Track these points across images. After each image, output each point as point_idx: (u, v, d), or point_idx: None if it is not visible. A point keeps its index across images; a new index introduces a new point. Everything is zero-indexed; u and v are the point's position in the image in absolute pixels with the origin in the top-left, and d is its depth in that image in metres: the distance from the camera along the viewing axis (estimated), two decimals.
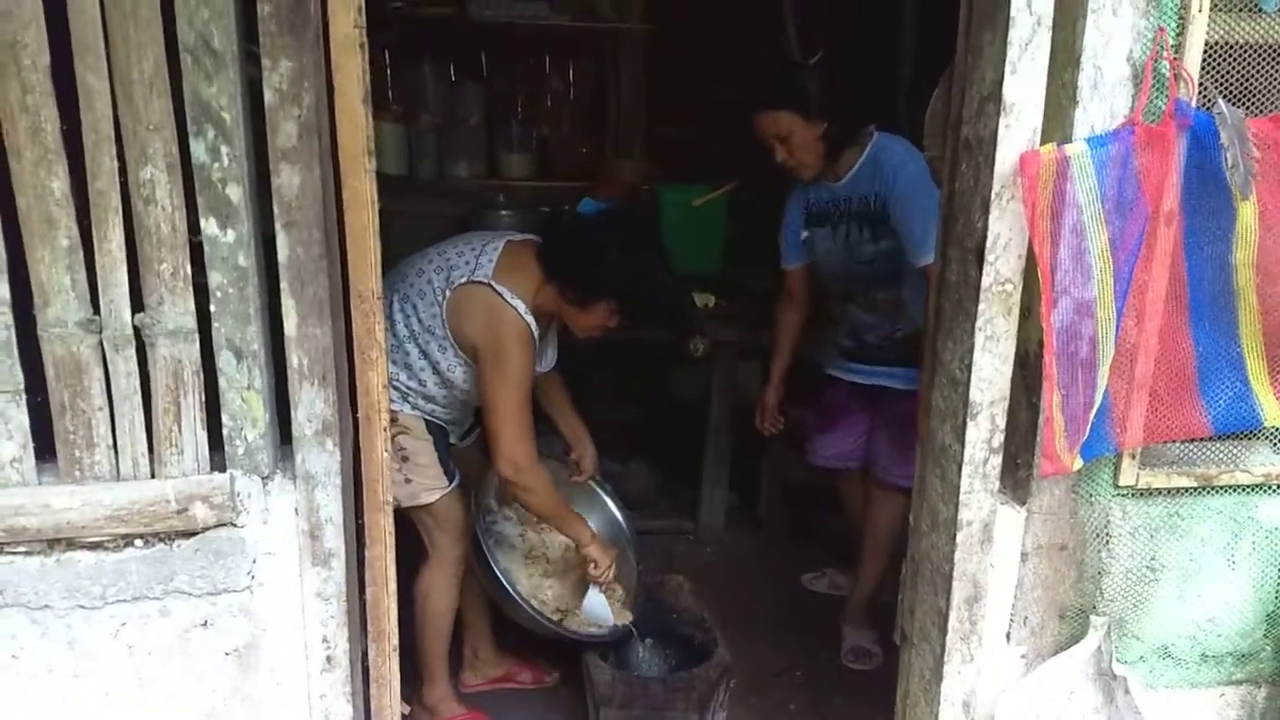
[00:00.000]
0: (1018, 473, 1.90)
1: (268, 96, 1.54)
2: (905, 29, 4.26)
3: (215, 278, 1.60)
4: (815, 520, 3.83)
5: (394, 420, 2.37)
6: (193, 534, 1.68)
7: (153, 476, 1.66)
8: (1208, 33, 1.70)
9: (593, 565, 2.53)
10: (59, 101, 1.49)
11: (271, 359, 1.69)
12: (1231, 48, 1.74)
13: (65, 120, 1.50)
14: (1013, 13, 1.64)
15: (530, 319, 2.33)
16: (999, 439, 1.84)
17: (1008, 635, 1.97)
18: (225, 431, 1.67)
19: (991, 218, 1.72)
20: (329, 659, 1.79)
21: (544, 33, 4.08)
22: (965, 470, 1.84)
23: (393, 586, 1.82)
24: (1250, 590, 2.01)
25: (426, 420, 2.47)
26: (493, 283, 2.32)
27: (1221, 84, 1.73)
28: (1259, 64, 1.75)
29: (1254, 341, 1.83)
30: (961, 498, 1.85)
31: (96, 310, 1.58)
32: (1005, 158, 1.69)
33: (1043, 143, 1.69)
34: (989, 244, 1.73)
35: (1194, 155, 1.71)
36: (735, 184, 3.87)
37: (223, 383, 1.65)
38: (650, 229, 3.36)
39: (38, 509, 1.60)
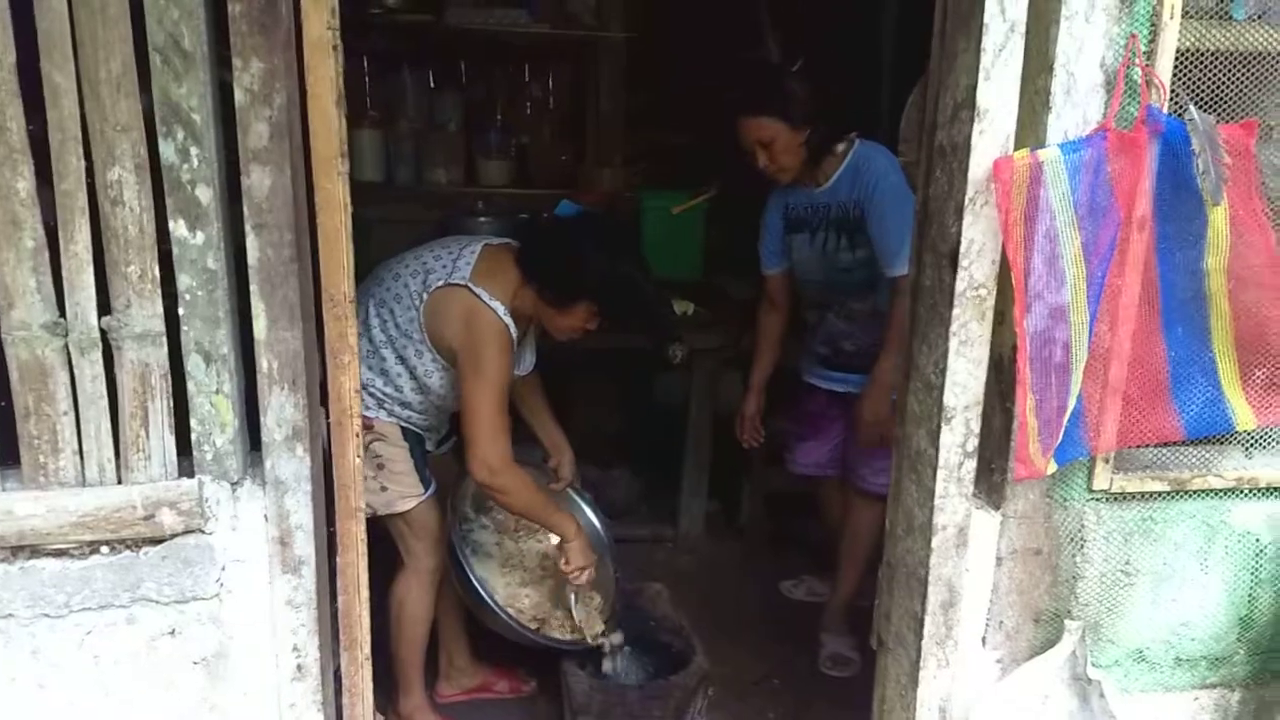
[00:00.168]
0: (992, 477, 1.90)
1: (238, 97, 1.52)
2: (885, 36, 4.28)
3: (184, 280, 1.58)
4: (796, 528, 3.83)
5: (370, 427, 2.38)
6: (160, 541, 1.66)
7: (119, 482, 1.63)
8: (1179, 39, 1.72)
9: (564, 561, 2.49)
10: (25, 100, 1.47)
11: (241, 363, 1.67)
12: (1203, 54, 1.75)
13: (31, 120, 1.48)
14: (986, 19, 1.65)
15: (509, 320, 2.32)
16: (973, 443, 1.84)
17: (983, 640, 1.97)
18: (194, 436, 1.65)
19: (965, 223, 1.73)
20: (299, 668, 1.77)
21: (523, 40, 4.08)
22: (940, 475, 1.84)
23: (365, 594, 1.80)
24: (1223, 594, 2.02)
25: (403, 427, 2.45)
26: (470, 285, 2.30)
27: (1193, 91, 1.74)
28: (1230, 71, 1.76)
29: (1226, 346, 1.84)
30: (936, 502, 1.85)
31: (62, 313, 1.56)
32: (979, 163, 1.70)
33: (1016, 149, 1.70)
34: (963, 249, 1.74)
35: (1166, 161, 1.72)
36: (714, 191, 3.88)
37: (191, 387, 1.63)
38: (628, 231, 3.37)
39: (1, 515, 1.58)
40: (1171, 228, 1.77)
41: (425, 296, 2.33)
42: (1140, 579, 1.99)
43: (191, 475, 1.66)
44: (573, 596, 2.58)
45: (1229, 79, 1.76)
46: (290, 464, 1.68)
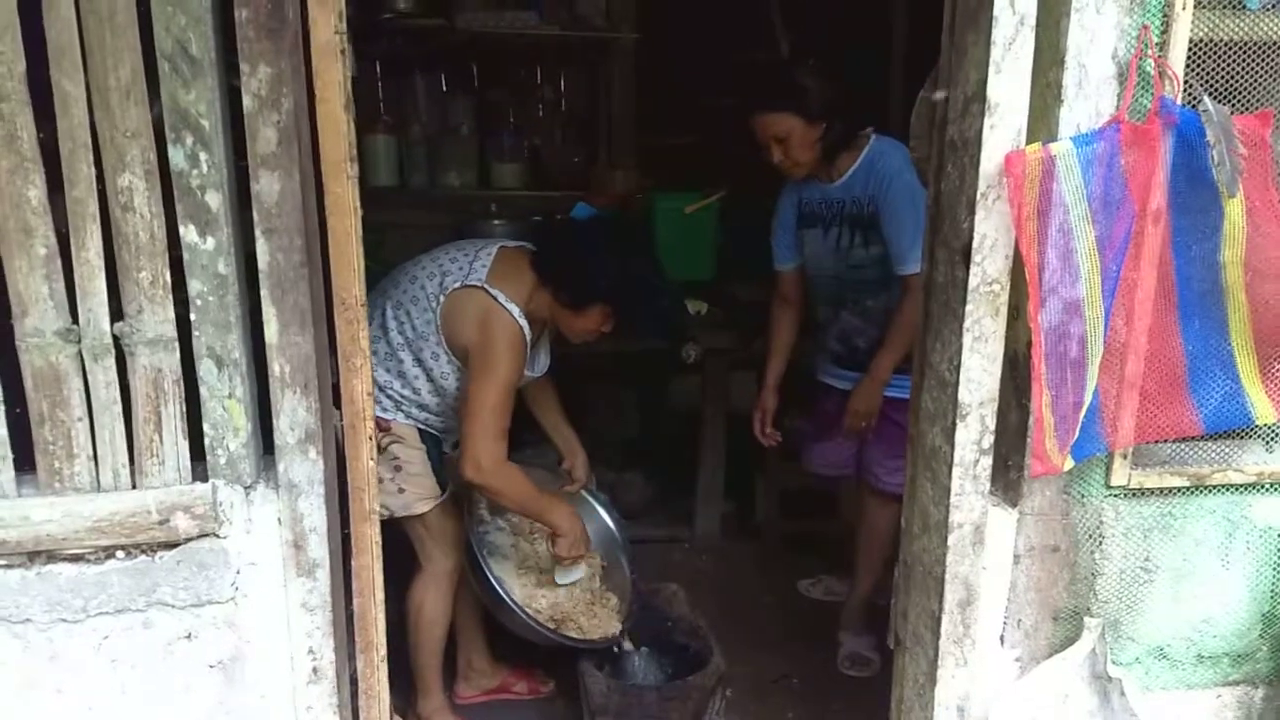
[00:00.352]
0: (1009, 474, 1.89)
1: (246, 102, 1.53)
2: (897, 32, 4.26)
3: (195, 285, 1.59)
4: (812, 527, 3.81)
5: (388, 429, 2.39)
6: (175, 545, 1.67)
7: (134, 487, 1.64)
8: (1192, 30, 1.70)
9: (550, 543, 2.52)
10: (35, 109, 1.48)
11: (253, 367, 1.68)
12: (1216, 45, 1.73)
13: (42, 128, 1.49)
14: (996, 12, 1.64)
15: (524, 323, 2.33)
16: (989, 440, 1.82)
17: (1001, 638, 1.95)
18: (207, 441, 1.66)
19: (978, 218, 1.71)
20: (315, 671, 1.78)
21: (535, 43, 4.07)
22: (955, 472, 1.83)
23: (380, 597, 1.80)
24: (1245, 590, 2.00)
25: (420, 429, 2.46)
26: (487, 286, 2.31)
27: (1207, 81, 1.72)
28: (1244, 61, 1.74)
29: (1244, 340, 1.82)
30: (952, 500, 1.84)
31: (75, 319, 1.57)
32: (990, 158, 1.68)
33: (1028, 142, 1.68)
34: (975, 244, 1.72)
35: (1180, 153, 1.70)
36: (725, 191, 3.87)
37: (204, 392, 1.63)
38: (643, 233, 3.37)
39: (17, 521, 1.59)
40: (1187, 220, 1.74)
41: (442, 298, 2.34)
42: (1160, 575, 1.97)
43: (205, 479, 1.67)
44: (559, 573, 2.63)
45: (1243, 69, 1.74)
46: (303, 467, 1.69)
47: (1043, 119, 1.72)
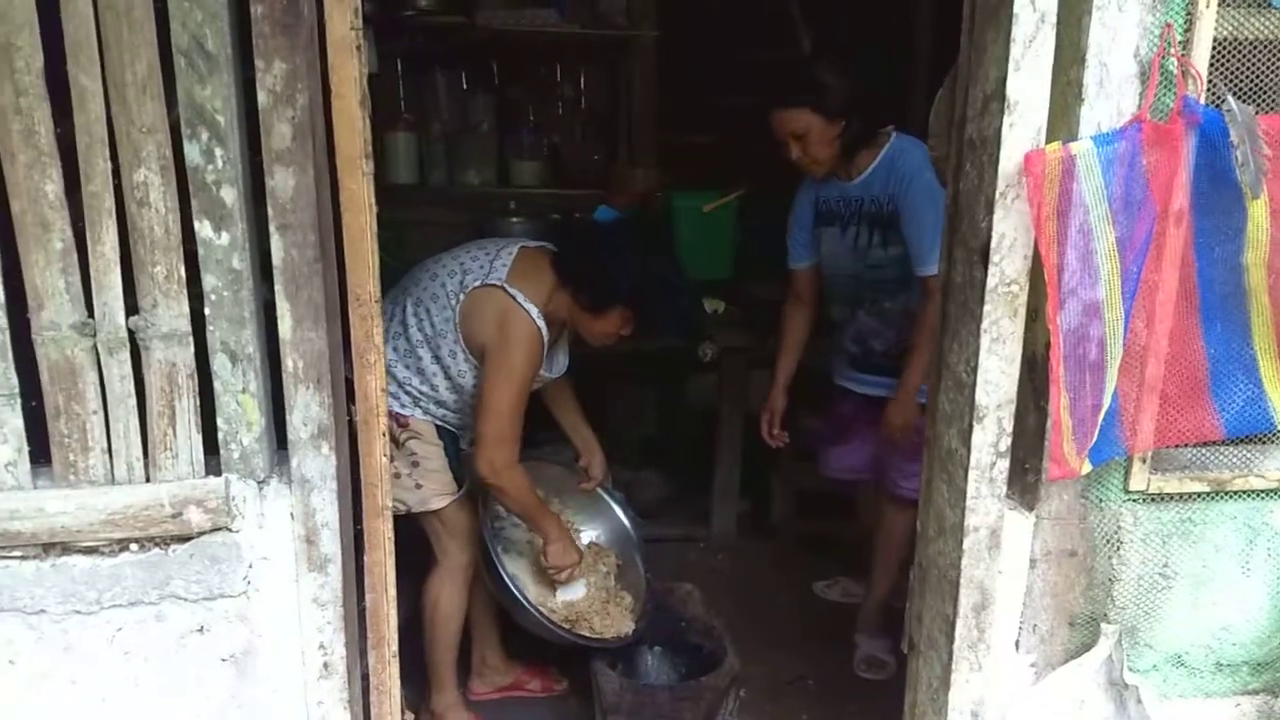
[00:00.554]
0: (1026, 478, 1.87)
1: (261, 98, 1.53)
2: (920, 29, 4.23)
3: (209, 280, 1.59)
4: (828, 529, 3.79)
5: (406, 425, 2.40)
6: (188, 539, 1.67)
7: (147, 480, 1.65)
8: (1216, 28, 1.67)
9: (543, 556, 2.54)
10: (53, 104, 1.49)
11: (267, 362, 1.68)
12: (1241, 44, 1.70)
13: (59, 123, 1.50)
14: (1016, 9, 1.62)
15: (542, 324, 2.33)
16: (1006, 443, 1.80)
17: (1017, 643, 1.93)
18: (220, 435, 1.66)
19: (996, 218, 1.69)
20: (326, 665, 1.78)
21: (555, 40, 4.07)
22: (972, 475, 1.81)
23: (393, 592, 1.81)
24: (1266, 597, 1.97)
25: (438, 425, 2.47)
26: (506, 286, 2.32)
27: (1231, 81, 1.70)
28: (1269, 60, 1.71)
29: (1267, 343, 1.79)
30: (968, 503, 1.82)
31: (91, 313, 1.57)
32: (1009, 157, 1.66)
33: (1048, 141, 1.66)
34: (994, 244, 1.70)
35: (1203, 154, 1.68)
36: (744, 190, 3.86)
37: (218, 386, 1.64)
38: (664, 235, 3.36)
39: (32, 513, 1.60)
40: (1209, 222, 1.72)
41: (462, 296, 2.34)
42: (1179, 582, 1.94)
43: (218, 474, 1.68)
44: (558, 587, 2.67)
45: (1268, 69, 1.71)
46: (316, 462, 1.69)
47: (1063, 118, 1.70)
